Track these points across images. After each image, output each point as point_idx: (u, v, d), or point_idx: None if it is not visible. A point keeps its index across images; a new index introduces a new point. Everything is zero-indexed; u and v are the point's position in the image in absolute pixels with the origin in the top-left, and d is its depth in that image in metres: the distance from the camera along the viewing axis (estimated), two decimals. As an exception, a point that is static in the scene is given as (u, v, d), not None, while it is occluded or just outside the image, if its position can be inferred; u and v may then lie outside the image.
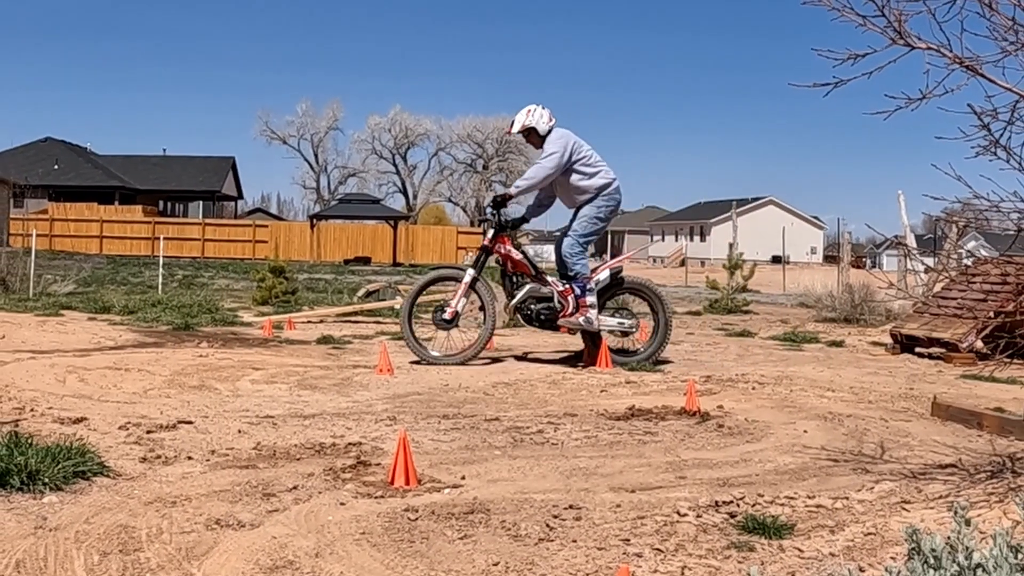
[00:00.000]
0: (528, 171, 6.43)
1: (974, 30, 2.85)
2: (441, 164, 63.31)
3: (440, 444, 3.79)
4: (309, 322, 9.64)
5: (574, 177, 6.29)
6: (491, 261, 6.67)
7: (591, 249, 7.17)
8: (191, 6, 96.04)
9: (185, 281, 17.91)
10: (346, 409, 4.56)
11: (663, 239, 66.20)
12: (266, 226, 38.79)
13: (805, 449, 3.86)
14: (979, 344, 7.63)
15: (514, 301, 6.28)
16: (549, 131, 6.31)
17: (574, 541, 2.58)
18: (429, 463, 3.40)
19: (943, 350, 7.75)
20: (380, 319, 10.07)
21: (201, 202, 46.87)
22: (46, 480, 2.82)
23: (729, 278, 14.53)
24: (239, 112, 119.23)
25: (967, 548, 1.50)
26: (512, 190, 6.41)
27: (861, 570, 2.39)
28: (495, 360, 6.56)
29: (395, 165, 62.51)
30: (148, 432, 3.82)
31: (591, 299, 6.25)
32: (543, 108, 6.36)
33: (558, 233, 6.66)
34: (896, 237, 11.47)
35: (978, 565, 1.46)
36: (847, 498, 3.05)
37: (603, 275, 6.43)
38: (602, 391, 5.29)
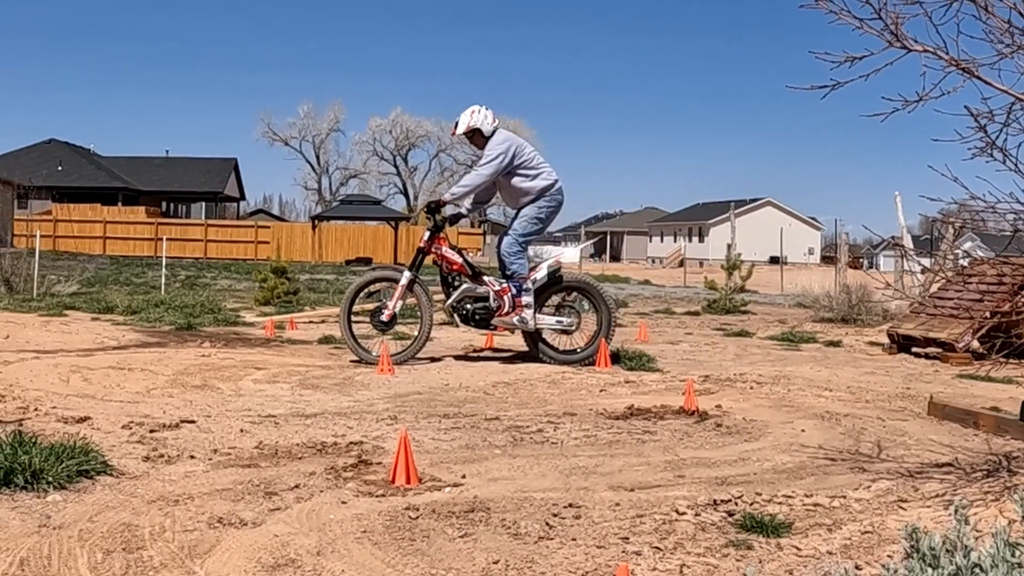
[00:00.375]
0: (464, 178, 6.44)
1: (970, 33, 2.88)
2: (442, 165, 63.44)
3: (441, 443, 3.81)
4: (311, 322, 9.66)
5: (516, 179, 6.31)
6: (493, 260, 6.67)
7: (531, 250, 7.18)
8: (194, 9, 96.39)
9: (188, 282, 17.92)
10: (347, 408, 4.58)
11: (662, 240, 66.25)
12: (268, 227, 38.86)
13: (803, 448, 3.89)
14: (975, 344, 7.66)
15: (450, 301, 6.28)
16: (493, 132, 6.31)
17: (573, 539, 2.60)
18: (430, 462, 3.42)
19: (940, 350, 7.78)
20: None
21: (204, 203, 46.96)
22: (50, 479, 2.84)
23: (727, 278, 14.56)
24: (241, 114, 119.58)
25: (965, 547, 1.51)
26: (447, 196, 6.44)
27: (858, 568, 2.40)
28: (488, 360, 6.58)
29: (396, 166, 62.60)
30: (151, 431, 3.83)
31: (527, 299, 6.24)
32: (487, 109, 6.35)
33: (505, 232, 6.59)
34: (893, 238, 11.51)
35: (975, 564, 1.47)
36: (844, 497, 3.06)
37: (540, 274, 6.42)
38: (601, 391, 5.31)
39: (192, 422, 4.07)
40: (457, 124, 6.34)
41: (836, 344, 9.02)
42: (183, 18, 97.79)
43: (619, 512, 2.85)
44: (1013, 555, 1.49)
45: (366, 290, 6.44)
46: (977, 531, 2.26)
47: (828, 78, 2.97)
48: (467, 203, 6.65)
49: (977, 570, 1.48)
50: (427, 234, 6.34)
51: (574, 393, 5.22)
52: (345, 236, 37.88)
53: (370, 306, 6.67)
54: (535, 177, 6.35)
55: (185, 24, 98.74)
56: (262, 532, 2.57)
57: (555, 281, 6.52)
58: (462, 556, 2.44)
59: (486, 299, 6.29)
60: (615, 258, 65.97)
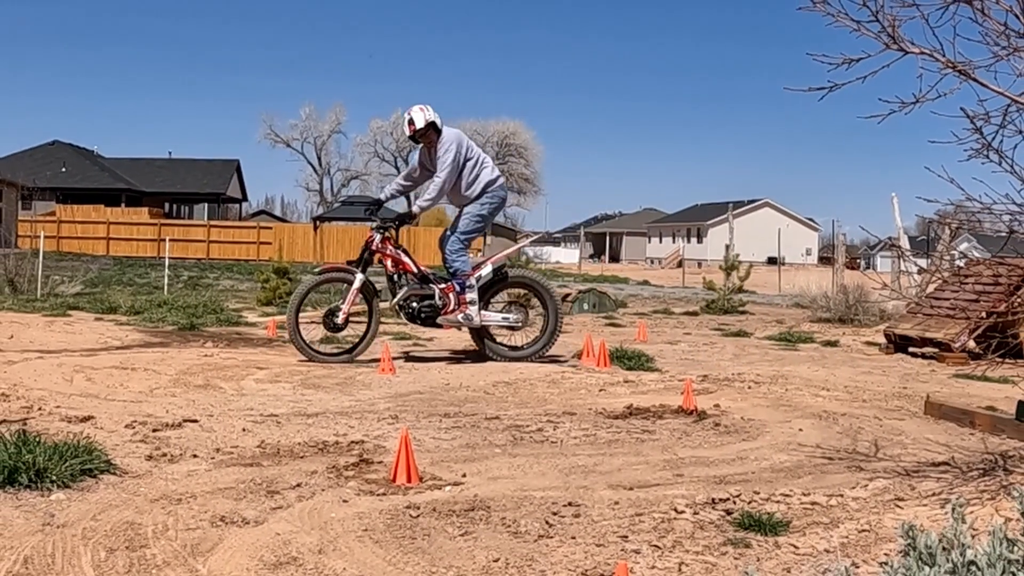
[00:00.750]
0: (429, 189, 6.27)
1: (967, 35, 2.90)
2: (442, 166, 63.36)
3: (441, 442, 3.83)
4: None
5: (463, 175, 6.28)
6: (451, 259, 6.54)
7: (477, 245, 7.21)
8: (196, 12, 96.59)
9: (190, 282, 17.95)
10: (349, 408, 4.60)
11: (660, 241, 66.31)
12: (270, 228, 38.93)
13: (800, 447, 3.91)
14: (971, 344, 7.70)
15: (396, 299, 6.27)
16: (441, 130, 6.25)
17: (573, 538, 2.61)
18: (430, 461, 3.44)
19: (936, 350, 7.82)
20: (383, 319, 10.11)
21: (206, 204, 47.06)
22: (53, 478, 2.85)
23: (725, 279, 14.59)
24: (243, 116, 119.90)
25: (962, 545, 1.51)
26: (416, 209, 6.40)
27: (855, 566, 2.41)
28: (488, 360, 6.59)
29: (397, 168, 62.49)
30: (154, 430, 3.85)
31: (471, 296, 6.24)
32: (429, 106, 6.23)
33: (447, 231, 6.52)
34: (890, 239, 11.54)
35: (972, 562, 1.48)
36: (842, 495, 3.08)
37: (485, 271, 6.41)
38: (600, 390, 5.33)
39: (195, 421, 4.08)
40: (413, 122, 6.20)
41: (833, 344, 9.05)
42: (186, 21, 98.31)
43: (618, 511, 2.87)
44: (1009, 553, 1.49)
45: (316, 290, 6.44)
46: (974, 529, 2.29)
47: (826, 80, 3.00)
48: (423, 202, 6.45)
49: (973, 568, 1.48)
50: (378, 235, 6.31)
51: (574, 393, 5.24)
52: (347, 237, 37.97)
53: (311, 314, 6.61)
54: (480, 174, 6.32)
55: (188, 27, 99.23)
56: (264, 530, 2.58)
57: (502, 278, 6.51)
58: (463, 554, 2.46)
59: (431, 297, 6.29)
60: (614, 259, 65.98)
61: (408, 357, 6.68)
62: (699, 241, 59.43)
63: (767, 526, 2.72)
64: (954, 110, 2.95)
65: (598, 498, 3.00)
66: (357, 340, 6.34)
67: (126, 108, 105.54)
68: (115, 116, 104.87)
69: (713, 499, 2.99)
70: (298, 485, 3.05)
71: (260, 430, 3.97)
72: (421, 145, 6.39)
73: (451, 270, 6.30)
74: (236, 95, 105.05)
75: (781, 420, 4.50)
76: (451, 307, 6.23)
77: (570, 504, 2.91)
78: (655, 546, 2.56)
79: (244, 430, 3.95)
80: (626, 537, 2.63)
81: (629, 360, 6.50)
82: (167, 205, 46.98)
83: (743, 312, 14.02)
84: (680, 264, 41.83)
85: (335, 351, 6.34)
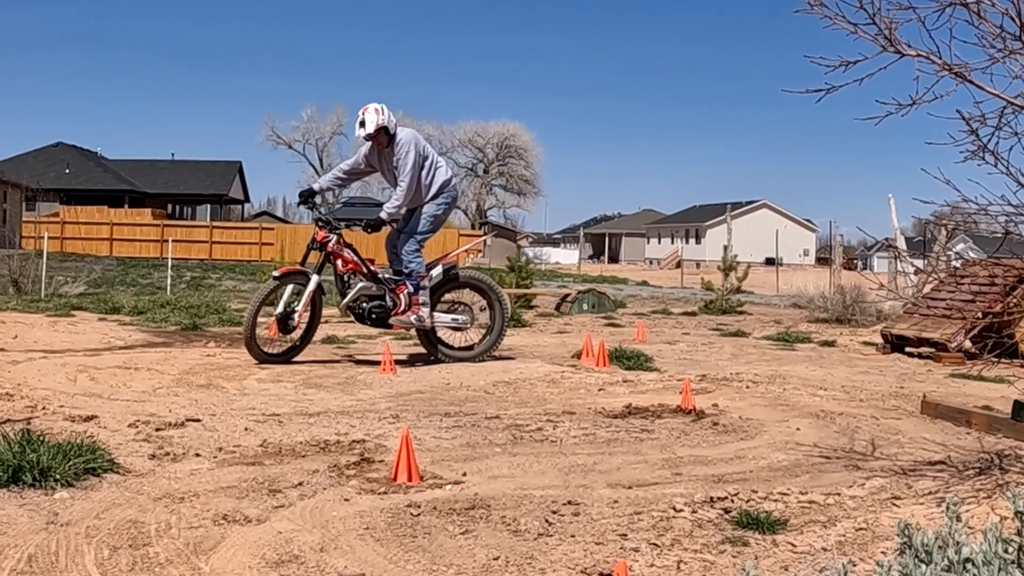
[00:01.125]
0: (395, 196, 6.12)
1: (963, 38, 2.92)
2: (443, 168, 63.48)
3: (442, 441, 3.85)
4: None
5: (420, 177, 6.15)
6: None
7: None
8: (199, 16, 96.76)
9: (193, 282, 17.97)
10: (350, 407, 4.62)
11: (659, 241, 66.38)
12: (272, 229, 38.98)
13: (798, 446, 3.93)
14: (968, 344, 7.74)
15: (346, 300, 6.14)
16: (395, 130, 6.10)
17: (572, 536, 2.63)
18: (431, 460, 3.46)
19: (932, 350, 7.85)
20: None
21: (209, 205, 47.16)
22: (57, 476, 2.87)
23: (724, 279, 14.63)
24: (246, 118, 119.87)
25: (958, 543, 1.52)
26: (384, 215, 6.15)
27: (853, 564, 2.43)
28: (488, 359, 6.61)
29: (397, 169, 62.66)
30: (157, 430, 3.86)
31: (424, 297, 6.17)
32: (386, 106, 6.08)
33: (395, 229, 6.38)
34: (887, 239, 11.57)
35: (967, 560, 1.48)
36: (839, 494, 3.11)
37: (436, 271, 6.36)
38: (600, 390, 5.35)
39: (197, 421, 4.10)
40: (364, 124, 6.01)
41: (831, 344, 9.08)
42: (189, 25, 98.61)
43: (617, 509, 2.89)
44: (1005, 551, 1.50)
45: (274, 294, 6.16)
46: (969, 528, 2.30)
47: (823, 82, 3.02)
48: (390, 208, 6.20)
49: (969, 565, 1.48)
50: (333, 237, 6.14)
51: (573, 392, 5.26)
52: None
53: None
54: (435, 173, 6.24)
55: (190, 30, 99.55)
56: (266, 529, 2.60)
57: (451, 279, 6.46)
58: (463, 552, 2.47)
59: (382, 297, 6.19)
60: (613, 259, 66.05)
61: (409, 357, 6.70)
62: (697, 242, 59.50)
63: (765, 524, 2.74)
64: (950, 112, 2.98)
65: (597, 497, 3.02)
66: (297, 341, 6.16)
67: (129, 110, 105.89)
68: (118, 118, 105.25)
69: (711, 498, 3.01)
70: (300, 484, 3.07)
71: (262, 429, 3.98)
72: (369, 143, 6.21)
73: (407, 271, 6.20)
74: (238, 97, 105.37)
75: (779, 419, 4.53)
76: (402, 308, 6.13)
77: (570, 503, 2.93)
78: (654, 544, 2.58)
79: (246, 429, 3.97)
80: (625, 535, 2.65)
81: (628, 360, 6.52)
82: (170, 206, 47.08)
83: (741, 312, 14.06)
84: (679, 265, 41.89)
85: (277, 352, 6.13)
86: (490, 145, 62.00)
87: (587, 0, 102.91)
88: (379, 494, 2.98)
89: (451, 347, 6.46)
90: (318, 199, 6.50)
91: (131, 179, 44.21)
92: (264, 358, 5.94)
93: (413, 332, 6.71)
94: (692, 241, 60.53)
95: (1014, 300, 6.27)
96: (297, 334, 6.20)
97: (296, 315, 6.05)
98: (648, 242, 67.80)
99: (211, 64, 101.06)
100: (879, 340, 8.76)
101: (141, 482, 3.03)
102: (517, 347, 7.84)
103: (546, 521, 2.75)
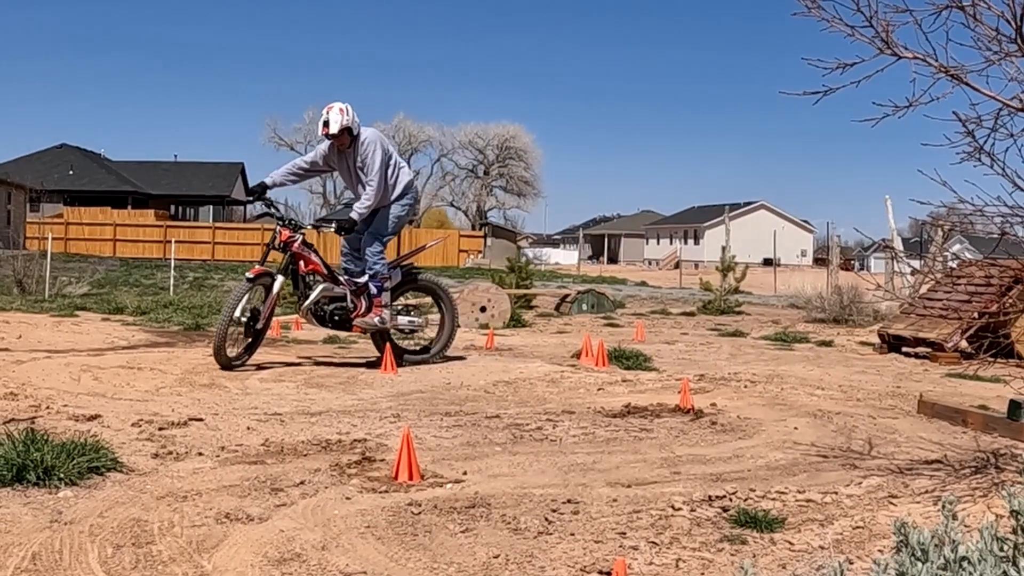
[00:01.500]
0: (363, 197, 5.97)
1: (959, 40, 2.94)
2: (443, 170, 63.64)
3: (442, 440, 3.87)
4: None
5: (386, 177, 6.06)
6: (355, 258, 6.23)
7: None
8: (202, 18, 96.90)
9: (196, 283, 17.97)
10: (351, 407, 4.64)
11: (658, 242, 66.48)
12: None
13: (795, 445, 3.95)
14: (964, 344, 7.78)
15: (307, 302, 5.95)
16: (359, 130, 5.98)
17: (572, 534, 2.65)
18: (432, 459, 3.47)
19: (929, 349, 7.89)
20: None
21: (211, 206, 47.28)
22: (61, 475, 2.89)
23: (722, 280, 14.67)
24: (248, 120, 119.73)
25: (954, 541, 1.54)
26: (355, 216, 5.99)
27: (850, 562, 2.45)
28: (488, 359, 6.63)
29: (399, 170, 62.82)
30: (160, 429, 3.88)
31: (386, 298, 6.09)
32: (350, 106, 5.94)
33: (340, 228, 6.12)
34: (883, 240, 11.62)
35: (963, 558, 1.50)
36: (836, 493, 3.13)
37: (395, 273, 6.24)
38: (599, 389, 5.37)
39: (200, 420, 4.12)
40: (328, 123, 5.86)
41: (828, 344, 9.12)
42: (191, 27, 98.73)
43: (616, 508, 2.91)
44: (1000, 550, 1.53)
45: (248, 295, 5.93)
46: (965, 526, 2.32)
47: (820, 84, 3.04)
48: (361, 209, 6.03)
49: (965, 564, 1.50)
50: (298, 237, 6.01)
51: (573, 392, 5.28)
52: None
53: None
54: (399, 173, 6.17)
55: (193, 33, 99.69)
56: (268, 527, 2.61)
57: (407, 281, 6.39)
58: (463, 551, 2.49)
59: (343, 299, 6.04)
60: (612, 260, 66.14)
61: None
62: (696, 243, 59.57)
63: (763, 523, 2.76)
64: (947, 114, 3.00)
65: (597, 495, 3.03)
66: (250, 343, 5.91)
67: (133, 112, 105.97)
68: (122, 120, 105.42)
69: (710, 496, 3.03)
70: (302, 483, 3.09)
71: (264, 428, 4.00)
72: (329, 142, 6.05)
73: (371, 272, 6.11)
74: (241, 99, 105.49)
75: (776, 419, 4.55)
76: (363, 309, 6.01)
77: (569, 501, 2.95)
78: (653, 542, 2.60)
79: (248, 428, 3.99)
80: (624, 534, 2.67)
81: (627, 360, 6.55)
82: (173, 207, 47.22)
83: (739, 312, 14.09)
84: (677, 265, 41.91)
85: (236, 355, 5.87)
86: (490, 147, 62.11)
87: (587, 3, 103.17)
88: (380, 493, 3.00)
89: (405, 350, 6.33)
90: (271, 194, 6.28)
91: (134, 180, 44.35)
92: (230, 365, 5.66)
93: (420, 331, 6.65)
94: (691, 242, 60.61)
95: (1010, 300, 6.31)
96: (260, 335, 6.02)
97: (261, 318, 5.88)
98: (647, 243, 67.88)
99: (214, 67, 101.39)
100: (876, 340, 8.79)
101: (144, 481, 3.05)
102: (517, 347, 7.87)
103: (546, 519, 2.77)
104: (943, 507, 1.61)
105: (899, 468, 3.54)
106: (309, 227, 6.38)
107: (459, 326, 6.75)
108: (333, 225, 6.19)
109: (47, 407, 4.21)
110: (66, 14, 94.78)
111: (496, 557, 2.45)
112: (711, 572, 2.40)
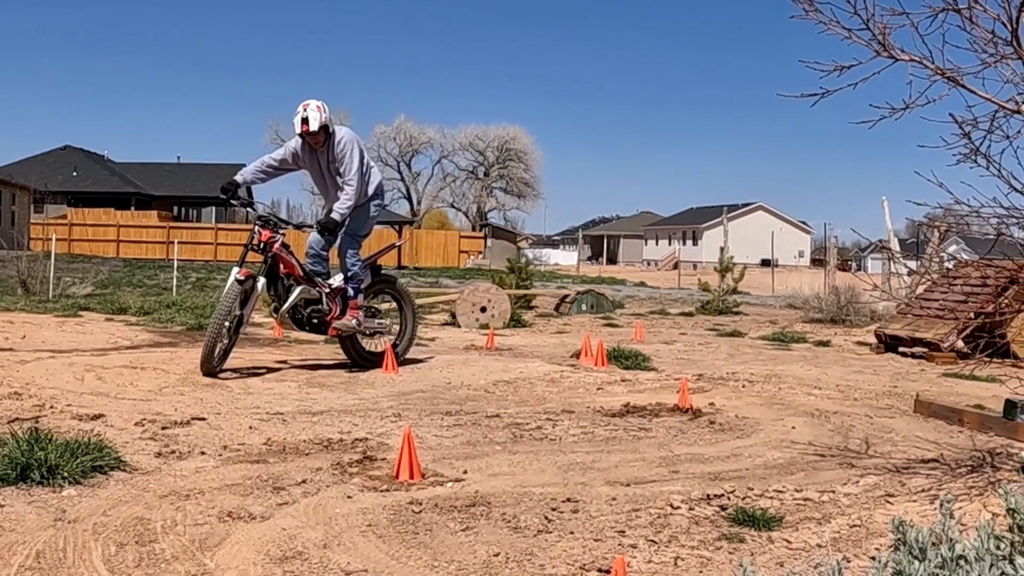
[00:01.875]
0: (343, 197, 5.83)
1: (955, 43, 2.97)
2: (444, 171, 63.66)
3: (443, 440, 3.89)
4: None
5: (361, 175, 5.92)
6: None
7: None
8: (204, 21, 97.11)
9: (198, 283, 17.97)
10: (353, 406, 4.66)
11: (657, 243, 66.57)
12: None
13: (793, 444, 3.98)
14: (960, 344, 7.81)
15: (286, 305, 5.78)
16: (333, 131, 5.87)
17: (571, 533, 2.67)
18: (432, 458, 3.49)
19: (925, 349, 7.93)
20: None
21: (214, 207, 47.29)
22: (65, 474, 2.90)
23: (720, 280, 14.70)
24: (250, 121, 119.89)
25: (950, 540, 1.55)
26: (336, 217, 5.83)
27: (847, 561, 2.47)
28: (488, 359, 6.65)
29: (400, 172, 62.74)
30: (163, 428, 3.90)
31: (361, 300, 5.99)
32: (326, 104, 5.81)
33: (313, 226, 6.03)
34: (880, 241, 11.66)
35: (961, 556, 1.52)
36: (833, 491, 3.15)
37: (366, 273, 6.13)
38: (598, 389, 5.40)
39: (203, 419, 4.13)
40: (308, 121, 5.71)
41: (825, 344, 9.15)
42: (194, 29, 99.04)
43: (615, 506, 2.92)
44: (997, 548, 1.54)
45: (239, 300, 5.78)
46: (962, 525, 2.35)
47: (818, 86, 3.06)
48: (343, 211, 5.86)
49: (962, 562, 1.51)
50: (279, 238, 5.85)
51: (572, 391, 5.30)
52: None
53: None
54: (371, 174, 6.09)
55: (196, 35, 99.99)
56: (270, 526, 2.63)
57: (374, 283, 6.30)
58: (464, 549, 2.51)
59: (319, 302, 5.91)
60: (612, 261, 66.22)
61: (410, 357, 6.72)
62: (694, 243, 59.62)
63: (761, 521, 2.78)
64: (943, 116, 3.02)
65: (596, 494, 3.05)
66: (227, 347, 5.70)
67: (136, 114, 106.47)
68: (125, 122, 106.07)
69: (708, 495, 3.05)
70: (303, 481, 3.11)
71: (266, 428, 4.02)
72: (301, 139, 5.91)
73: (348, 273, 6.02)
74: (242, 101, 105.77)
75: (774, 418, 4.58)
76: (338, 311, 5.89)
77: (569, 500, 2.97)
78: (651, 541, 2.61)
79: (251, 428, 4.00)
80: (623, 532, 2.68)
81: (626, 360, 6.57)
82: (176, 208, 47.30)
83: (737, 313, 14.12)
84: (676, 266, 41.96)
85: (216, 362, 5.70)
86: (490, 148, 62.13)
87: (586, 7, 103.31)
88: (381, 491, 3.02)
89: (372, 353, 6.16)
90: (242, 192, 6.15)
91: (137, 182, 44.46)
92: (214, 373, 5.46)
93: (420, 331, 6.57)
94: (689, 243, 60.67)
95: (1005, 301, 6.34)
96: (235, 338, 5.88)
97: (245, 321, 5.78)
98: (646, 244, 67.94)
99: (216, 69, 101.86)
100: (873, 340, 8.82)
101: (147, 480, 3.07)
102: (517, 347, 7.89)
103: (545, 518, 2.79)
104: (940, 506, 1.62)
105: (896, 467, 3.57)
106: (291, 227, 6.23)
107: (417, 328, 6.63)
108: (316, 226, 6.04)
109: (51, 406, 4.22)
110: (70, 17, 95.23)
111: (496, 555, 2.46)
112: (709, 570, 2.42)
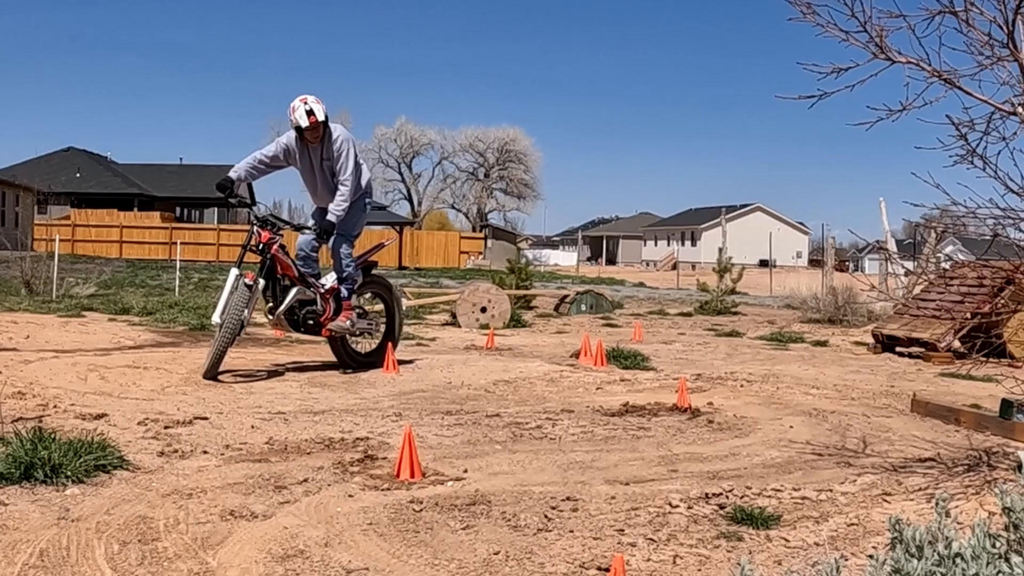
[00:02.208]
0: (339, 197, 5.77)
1: (952, 45, 2.99)
2: (444, 172, 63.64)
3: (443, 439, 3.90)
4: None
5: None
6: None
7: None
8: (206, 22, 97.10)
9: (201, 284, 17.97)
10: (354, 406, 4.67)
11: (656, 244, 66.63)
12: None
13: (791, 444, 4.00)
14: (957, 344, 7.85)
15: (283, 307, 5.72)
16: (330, 126, 5.81)
17: (571, 531, 2.69)
18: (433, 457, 3.51)
19: (922, 349, 7.95)
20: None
21: (216, 208, 47.33)
22: (68, 473, 2.92)
23: (719, 281, 14.72)
24: (252, 122, 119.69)
25: (947, 538, 1.56)
26: (333, 218, 5.78)
27: (845, 559, 2.47)
28: (489, 359, 6.67)
29: (400, 173, 62.75)
30: (166, 427, 3.91)
31: (355, 300, 5.98)
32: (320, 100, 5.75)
33: (309, 229, 5.99)
34: (878, 242, 11.68)
35: (957, 554, 1.53)
36: (831, 490, 3.17)
37: (358, 273, 6.06)
38: (598, 388, 5.42)
39: (205, 419, 4.15)
40: (313, 113, 5.65)
41: (823, 344, 9.18)
42: (196, 31, 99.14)
43: (615, 505, 2.94)
44: (993, 546, 1.55)
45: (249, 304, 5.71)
46: (959, 523, 2.37)
47: (815, 88, 3.08)
48: (339, 211, 5.81)
49: (958, 559, 1.52)
50: (278, 240, 5.80)
51: (571, 391, 5.32)
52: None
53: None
54: (361, 171, 6.03)
55: (197, 37, 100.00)
56: (272, 524, 2.64)
57: (369, 280, 6.26)
58: (464, 547, 2.52)
59: (313, 303, 5.85)
60: (611, 261, 66.27)
61: (411, 357, 6.74)
62: (693, 244, 59.67)
63: (759, 520, 2.80)
64: (940, 117, 3.05)
65: (595, 493, 3.07)
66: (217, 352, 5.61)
67: (138, 115, 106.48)
68: (128, 123, 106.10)
69: (707, 494, 3.07)
70: (305, 480, 3.12)
71: (268, 427, 4.04)
72: (295, 135, 5.85)
73: (343, 274, 5.97)
74: (244, 103, 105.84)
75: (772, 417, 4.60)
76: (331, 312, 5.85)
77: (568, 499, 2.98)
78: (650, 539, 2.63)
79: (253, 427, 4.02)
80: (622, 531, 2.70)
81: (625, 359, 6.59)
82: (178, 209, 47.33)
83: (735, 313, 14.15)
84: (675, 266, 42.01)
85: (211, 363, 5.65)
86: (491, 150, 62.14)
87: (586, 8, 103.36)
88: (382, 490, 3.03)
89: (360, 354, 6.11)
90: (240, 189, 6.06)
91: (140, 183, 44.53)
92: (216, 377, 5.37)
93: (421, 331, 6.60)
94: (688, 243, 60.72)
95: (1002, 301, 6.36)
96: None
97: (245, 322, 5.67)
98: (645, 244, 67.99)
99: (218, 70, 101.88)
100: (870, 340, 8.85)
101: (150, 479, 3.08)
102: (517, 347, 7.91)
103: (545, 517, 2.81)
104: (937, 504, 1.63)
105: (893, 466, 3.59)
106: (289, 227, 6.18)
107: (403, 327, 6.60)
108: (315, 229, 5.98)
109: (54, 406, 4.23)
110: (73, 18, 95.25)
111: (496, 554, 2.48)
112: (708, 568, 2.44)
